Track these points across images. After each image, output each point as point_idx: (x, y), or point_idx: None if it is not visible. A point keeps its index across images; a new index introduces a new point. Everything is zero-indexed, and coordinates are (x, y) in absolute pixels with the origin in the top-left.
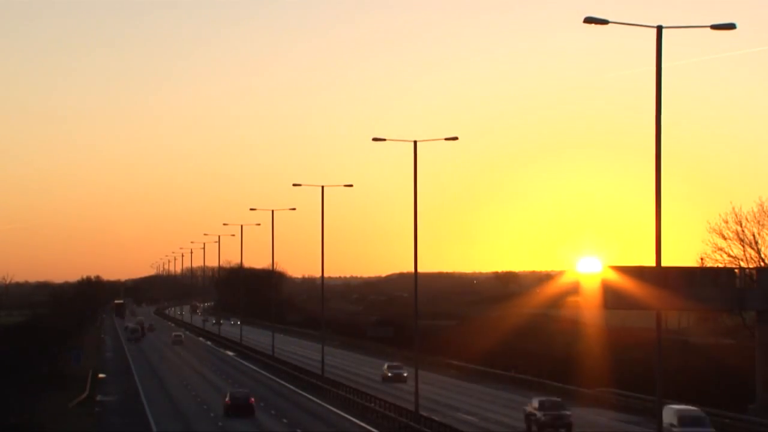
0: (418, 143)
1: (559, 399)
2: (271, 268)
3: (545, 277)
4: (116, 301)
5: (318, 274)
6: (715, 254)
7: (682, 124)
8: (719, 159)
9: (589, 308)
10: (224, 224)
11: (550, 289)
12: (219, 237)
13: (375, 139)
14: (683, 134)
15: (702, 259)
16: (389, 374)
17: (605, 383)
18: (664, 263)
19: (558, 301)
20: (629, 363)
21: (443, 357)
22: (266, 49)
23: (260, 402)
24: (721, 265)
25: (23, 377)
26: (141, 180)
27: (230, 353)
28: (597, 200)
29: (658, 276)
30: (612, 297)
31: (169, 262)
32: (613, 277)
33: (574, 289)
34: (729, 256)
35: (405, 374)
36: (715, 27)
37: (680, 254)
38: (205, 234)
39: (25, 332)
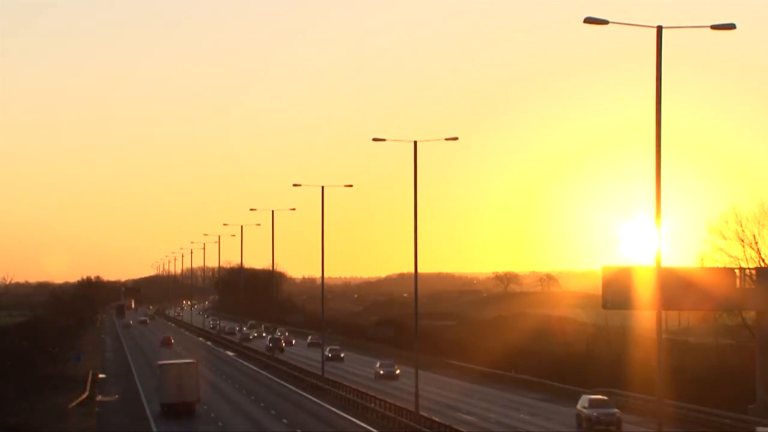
0: (418, 143)
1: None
2: (271, 268)
3: (545, 277)
4: (118, 303)
5: (318, 274)
6: (715, 254)
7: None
8: (719, 159)
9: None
10: (224, 224)
11: (552, 289)
12: (219, 237)
13: (375, 139)
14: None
15: (702, 259)
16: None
17: (605, 383)
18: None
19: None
20: (629, 363)
21: (443, 357)
22: (266, 49)
23: (260, 402)
24: (721, 265)
25: (23, 377)
26: (141, 180)
27: (230, 353)
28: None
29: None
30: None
31: (169, 262)
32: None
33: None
34: (729, 256)
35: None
36: (715, 27)
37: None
38: (205, 234)
39: (25, 332)
